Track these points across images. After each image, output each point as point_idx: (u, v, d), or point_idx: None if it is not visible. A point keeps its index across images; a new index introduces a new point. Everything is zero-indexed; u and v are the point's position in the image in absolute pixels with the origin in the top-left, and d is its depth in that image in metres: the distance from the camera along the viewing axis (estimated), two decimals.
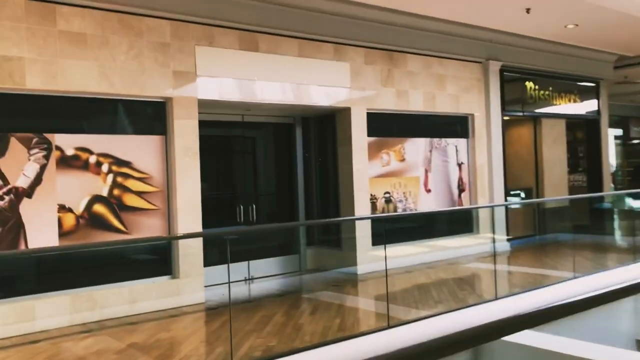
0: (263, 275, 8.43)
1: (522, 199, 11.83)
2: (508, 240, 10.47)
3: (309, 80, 7.98)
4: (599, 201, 12.87)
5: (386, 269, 5.64)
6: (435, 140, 9.81)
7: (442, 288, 7.27)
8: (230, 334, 4.65)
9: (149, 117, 6.78)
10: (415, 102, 9.28)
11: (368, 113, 8.72)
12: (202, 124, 7.28)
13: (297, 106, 8.16)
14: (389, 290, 7.44)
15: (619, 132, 18.72)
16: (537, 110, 11.53)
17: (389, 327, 5.04)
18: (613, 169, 17.32)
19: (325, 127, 9.04)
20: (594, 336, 5.75)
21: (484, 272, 8.17)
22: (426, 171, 9.65)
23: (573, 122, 12.83)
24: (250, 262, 8.36)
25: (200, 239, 6.92)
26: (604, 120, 12.92)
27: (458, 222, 10.09)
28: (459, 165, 10.14)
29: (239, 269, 8.21)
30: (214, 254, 7.92)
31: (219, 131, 8.45)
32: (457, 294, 6.90)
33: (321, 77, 8.12)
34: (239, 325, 5.74)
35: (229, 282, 4.64)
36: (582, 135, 13.18)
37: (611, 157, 17.12)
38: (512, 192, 11.54)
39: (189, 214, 6.84)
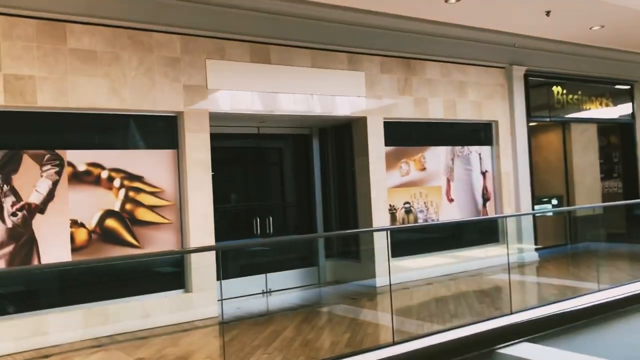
0: (281, 288, 8.35)
1: (554, 206, 11.44)
2: (536, 249, 10.13)
3: (323, 91, 7.91)
4: (637, 208, 12.33)
5: (390, 284, 5.52)
6: (458, 148, 9.59)
7: (460, 301, 7.05)
8: (224, 352, 4.56)
9: (160, 131, 6.82)
10: (435, 110, 9.10)
11: (385, 122, 8.58)
12: (217, 137, 7.30)
13: (312, 117, 8.10)
14: (406, 303, 7.32)
15: None
16: (566, 116, 11.16)
17: (394, 343, 4.89)
18: None
19: (342, 137, 8.95)
20: (619, 354, 5.43)
21: (507, 283, 7.89)
22: (448, 180, 9.43)
23: (606, 127, 12.39)
24: (269, 274, 8.31)
25: (213, 253, 6.89)
26: (639, 124, 12.41)
27: (483, 231, 9.81)
28: (483, 173, 9.88)
29: (256, 281, 8.18)
30: (227, 267, 7.93)
31: (234, 143, 8.46)
32: (475, 307, 6.68)
33: (336, 88, 8.04)
34: (246, 340, 5.69)
35: (221, 299, 4.55)
36: (617, 141, 12.69)
37: None
38: (543, 200, 11.19)
39: (201, 227, 6.84)
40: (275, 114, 7.63)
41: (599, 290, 6.68)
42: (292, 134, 9.01)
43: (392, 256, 8.39)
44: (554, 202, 11.48)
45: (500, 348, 5.19)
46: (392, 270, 8.17)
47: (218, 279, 6.82)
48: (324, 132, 9.14)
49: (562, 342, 5.42)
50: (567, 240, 11.28)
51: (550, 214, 11.60)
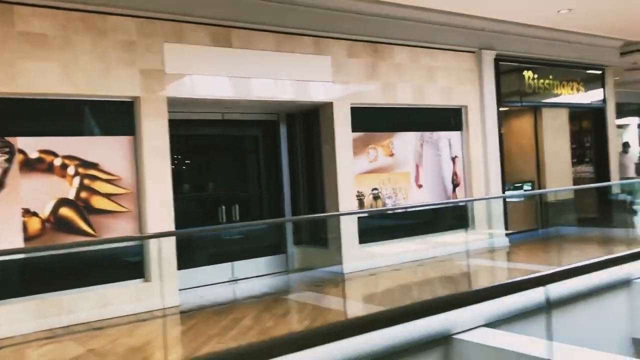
0: (248, 276, 8.25)
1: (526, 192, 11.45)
2: (507, 235, 10.13)
3: (287, 76, 7.77)
4: (610, 192, 12.38)
5: (343, 272, 5.42)
6: (427, 134, 9.51)
7: (424, 287, 7.01)
8: (165, 344, 4.46)
9: (116, 117, 6.65)
10: (404, 96, 8.99)
11: (352, 108, 8.46)
12: (179, 123, 7.14)
13: (277, 103, 7.95)
14: (371, 290, 7.26)
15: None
16: (537, 101, 11.13)
17: None
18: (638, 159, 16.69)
19: (310, 123, 8.82)
20: (581, 337, 5.42)
21: (473, 269, 7.88)
22: (417, 166, 9.36)
23: (578, 112, 12.39)
24: (236, 262, 8.19)
25: (174, 242, 6.75)
26: (610, 109, 12.44)
27: (451, 217, 9.78)
28: (453, 159, 9.83)
29: (222, 270, 8.08)
30: (193, 256, 7.81)
31: (197, 131, 8.30)
32: (439, 293, 6.63)
33: (301, 72, 7.90)
34: (203, 330, 5.59)
35: (161, 289, 4.44)
36: (588, 125, 12.70)
37: (635, 146, 16.90)
38: (516, 185, 11.19)
39: (160, 215, 6.69)
40: (238, 99, 7.47)
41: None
42: (258, 120, 8.87)
43: (361, 242, 8.40)
44: (527, 187, 11.47)
45: (457, 334, 5.13)
46: (360, 257, 8.18)
47: (180, 267, 6.76)
48: (291, 118, 9.01)
49: (519, 326, 5.39)
50: (538, 225, 11.30)
51: (515, 199, 11.59)
